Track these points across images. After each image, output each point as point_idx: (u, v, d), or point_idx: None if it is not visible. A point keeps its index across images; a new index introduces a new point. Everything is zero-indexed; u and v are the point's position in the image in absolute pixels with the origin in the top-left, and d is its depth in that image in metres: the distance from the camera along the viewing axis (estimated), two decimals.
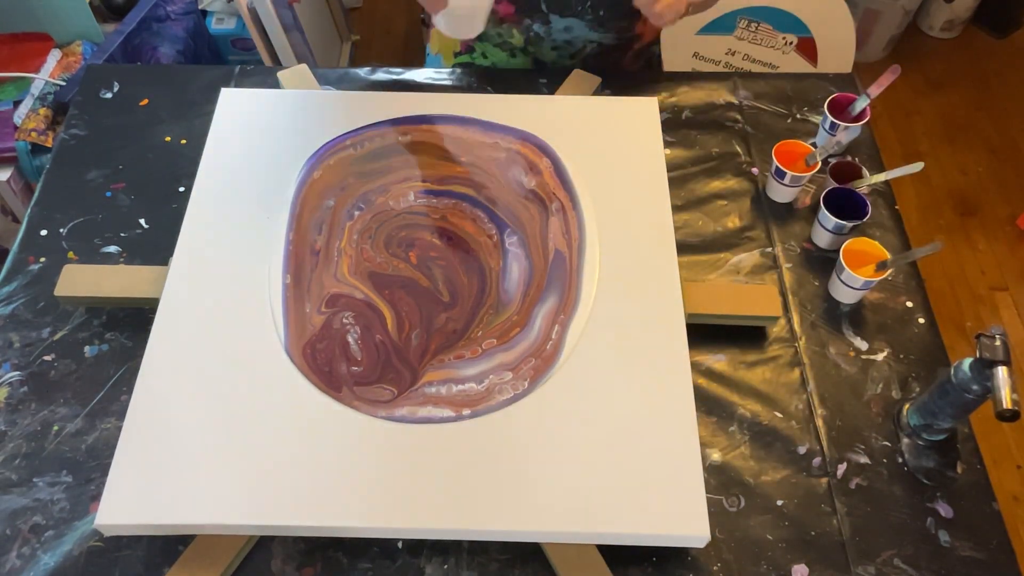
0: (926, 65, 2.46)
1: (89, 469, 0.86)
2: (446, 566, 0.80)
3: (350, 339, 0.87)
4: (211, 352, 0.85)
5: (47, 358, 0.93)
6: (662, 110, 1.17)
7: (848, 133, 1.12)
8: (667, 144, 1.15)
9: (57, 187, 1.09)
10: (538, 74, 1.22)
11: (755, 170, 1.14)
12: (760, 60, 1.90)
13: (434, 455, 0.79)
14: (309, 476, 0.77)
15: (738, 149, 1.16)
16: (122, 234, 1.04)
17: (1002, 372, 0.77)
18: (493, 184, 1.00)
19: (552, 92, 1.15)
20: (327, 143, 1.02)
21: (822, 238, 1.04)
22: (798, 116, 1.20)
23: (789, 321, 0.99)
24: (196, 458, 0.78)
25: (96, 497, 0.83)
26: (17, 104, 1.57)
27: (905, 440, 0.90)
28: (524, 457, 0.79)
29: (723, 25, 1.83)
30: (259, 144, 1.02)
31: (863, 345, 0.97)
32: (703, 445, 0.88)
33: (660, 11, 0.97)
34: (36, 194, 1.08)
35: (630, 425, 0.81)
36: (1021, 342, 1.89)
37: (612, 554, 0.79)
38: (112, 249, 1.03)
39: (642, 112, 1.07)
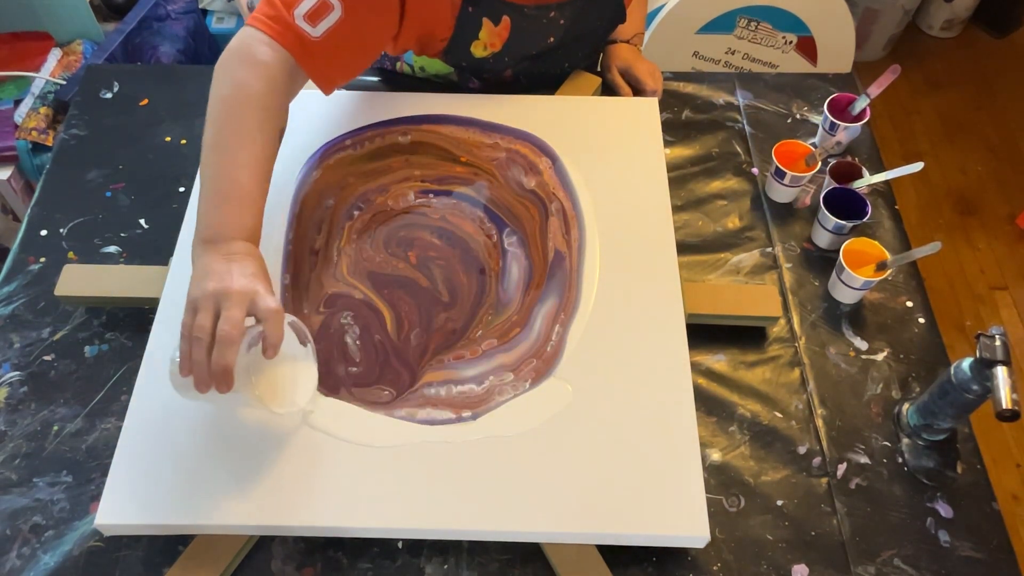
0: (926, 65, 2.46)
1: (89, 469, 0.86)
2: (446, 566, 0.80)
3: (348, 339, 0.87)
4: None
5: (47, 358, 0.93)
6: (662, 110, 1.17)
7: (848, 133, 1.12)
8: (667, 144, 1.15)
9: (57, 187, 1.09)
10: None
11: (755, 170, 1.14)
12: (760, 59, 1.90)
13: (434, 456, 0.79)
14: (308, 476, 0.77)
15: (738, 149, 1.16)
16: (122, 234, 1.04)
17: (1002, 372, 0.77)
18: (493, 184, 1.00)
19: (552, 92, 1.15)
20: (327, 143, 1.02)
21: (822, 238, 1.04)
22: (798, 116, 1.20)
23: (789, 321, 0.99)
24: (196, 458, 0.78)
25: (96, 497, 0.83)
26: (18, 103, 1.57)
27: (905, 440, 0.90)
28: (524, 457, 0.79)
29: (723, 24, 1.83)
30: None
31: (863, 345, 0.97)
32: (703, 445, 0.88)
33: (653, 88, 1.16)
34: (36, 194, 1.08)
35: (630, 425, 0.81)
36: (1021, 342, 1.89)
37: (612, 554, 0.79)
38: (112, 249, 1.03)
39: (642, 112, 1.07)
